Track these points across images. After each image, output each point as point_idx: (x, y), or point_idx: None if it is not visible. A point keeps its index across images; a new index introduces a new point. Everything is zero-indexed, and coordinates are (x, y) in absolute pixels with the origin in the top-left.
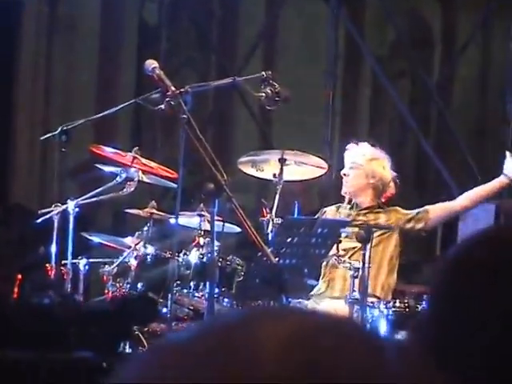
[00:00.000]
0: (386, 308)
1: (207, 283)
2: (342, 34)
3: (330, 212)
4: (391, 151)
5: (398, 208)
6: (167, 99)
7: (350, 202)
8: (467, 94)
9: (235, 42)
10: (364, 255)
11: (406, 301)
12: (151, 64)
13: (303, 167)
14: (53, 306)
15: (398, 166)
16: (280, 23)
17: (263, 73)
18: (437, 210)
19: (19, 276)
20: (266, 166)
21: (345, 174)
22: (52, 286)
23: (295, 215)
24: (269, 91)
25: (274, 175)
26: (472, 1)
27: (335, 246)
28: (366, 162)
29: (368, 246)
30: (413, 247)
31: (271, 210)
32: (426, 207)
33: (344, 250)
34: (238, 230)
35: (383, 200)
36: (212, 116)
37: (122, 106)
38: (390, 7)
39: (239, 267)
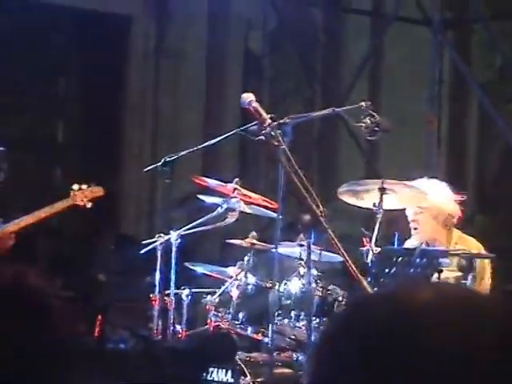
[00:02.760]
0: None
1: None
2: (447, 59)
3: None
4: (499, 178)
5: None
6: (264, 131)
7: None
8: None
9: (339, 69)
10: (465, 285)
11: None
12: (248, 97)
13: (403, 196)
14: (128, 351)
15: (504, 192)
16: (384, 49)
17: (362, 103)
18: None
19: (99, 317)
20: (366, 195)
21: (413, 221)
22: (129, 328)
23: (395, 245)
24: (368, 121)
25: (374, 204)
26: None
27: (436, 275)
28: (429, 203)
29: (470, 276)
30: None
31: (371, 239)
32: None
33: (445, 279)
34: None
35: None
36: (317, 144)
37: (223, 136)
38: (497, 31)
39: (340, 297)
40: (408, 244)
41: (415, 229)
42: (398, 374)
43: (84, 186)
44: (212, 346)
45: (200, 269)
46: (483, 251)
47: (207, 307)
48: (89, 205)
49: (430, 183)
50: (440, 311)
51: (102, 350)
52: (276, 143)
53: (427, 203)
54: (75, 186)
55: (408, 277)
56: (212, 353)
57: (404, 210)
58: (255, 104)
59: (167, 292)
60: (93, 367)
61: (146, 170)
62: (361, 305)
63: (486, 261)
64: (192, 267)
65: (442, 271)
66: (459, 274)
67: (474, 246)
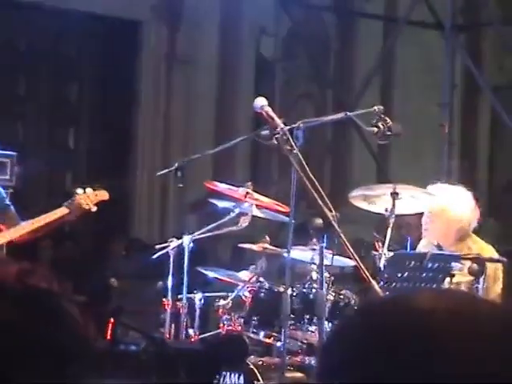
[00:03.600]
0: None
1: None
2: (459, 63)
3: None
4: (511, 182)
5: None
6: (276, 135)
7: None
8: None
9: (351, 74)
10: (477, 289)
11: None
12: (260, 102)
13: (416, 201)
14: (140, 353)
15: None
16: (396, 54)
17: (375, 107)
18: None
19: (111, 319)
20: (377, 200)
21: (425, 225)
22: (140, 331)
23: (407, 249)
24: (380, 126)
25: (386, 209)
26: None
27: (448, 279)
28: (443, 212)
29: (481, 279)
30: None
31: (383, 243)
32: None
33: (457, 283)
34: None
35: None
36: (330, 149)
37: (235, 141)
38: (509, 35)
39: (352, 301)
40: (420, 246)
41: (427, 230)
42: (402, 373)
43: (88, 190)
44: (224, 347)
45: (212, 273)
46: (495, 255)
47: (219, 311)
48: (94, 208)
49: (451, 190)
50: (444, 317)
51: (114, 352)
52: (288, 147)
53: (443, 210)
54: (79, 190)
55: (420, 282)
56: (224, 355)
57: (415, 214)
58: (267, 108)
59: (179, 296)
60: (105, 369)
61: (158, 174)
62: (370, 308)
63: (499, 265)
64: (204, 271)
65: (454, 275)
66: (471, 278)
67: (487, 250)
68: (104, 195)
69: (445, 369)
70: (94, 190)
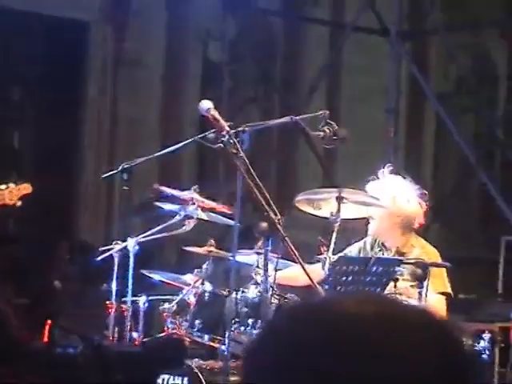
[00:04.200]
0: None
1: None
2: (405, 70)
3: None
4: (455, 187)
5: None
6: (222, 139)
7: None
8: None
9: (298, 78)
10: (420, 293)
11: (463, 340)
12: (206, 105)
13: (361, 205)
14: (76, 355)
15: (462, 201)
16: (343, 59)
17: (321, 112)
18: None
19: (49, 321)
20: (323, 204)
21: (370, 216)
22: (78, 333)
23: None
24: (327, 130)
25: (332, 213)
26: None
27: (392, 284)
28: (388, 202)
29: (425, 284)
30: (474, 284)
31: (328, 247)
32: None
33: (400, 288)
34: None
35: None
36: (276, 153)
37: (181, 144)
38: (454, 43)
39: None
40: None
41: (371, 225)
42: (322, 377)
43: (11, 185)
44: (162, 350)
45: (157, 276)
46: (439, 257)
47: (164, 315)
48: (19, 203)
49: (397, 182)
50: (360, 320)
51: (50, 354)
52: (234, 151)
53: (386, 202)
54: (2, 186)
55: (364, 286)
56: (162, 357)
57: (361, 219)
58: (213, 111)
59: (124, 299)
60: (41, 372)
61: (103, 176)
62: (296, 313)
63: (443, 269)
64: (149, 275)
65: (397, 280)
66: (414, 282)
67: (430, 251)
68: (27, 188)
69: (369, 371)
70: (17, 184)
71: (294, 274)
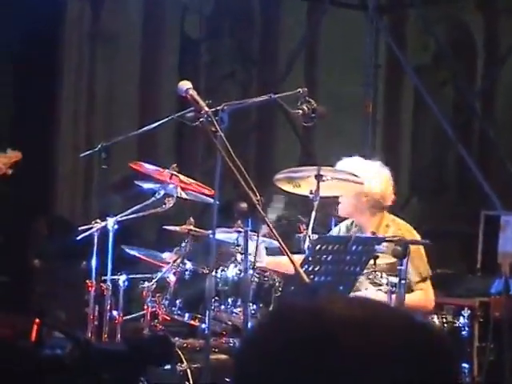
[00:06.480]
0: None
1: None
2: (383, 44)
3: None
4: (434, 162)
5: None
6: (200, 118)
7: None
8: (510, 103)
9: (276, 54)
10: (400, 270)
11: (443, 316)
12: (185, 85)
13: (340, 183)
14: (64, 356)
15: (439, 175)
16: (320, 34)
17: (299, 90)
18: None
19: (37, 320)
20: (302, 183)
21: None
22: (66, 332)
23: (331, 230)
24: (305, 108)
25: (311, 192)
26: None
27: (372, 262)
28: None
29: (404, 261)
30: (453, 259)
31: (308, 226)
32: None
33: (380, 265)
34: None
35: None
36: (254, 131)
37: (159, 122)
38: (431, 16)
39: (277, 283)
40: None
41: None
42: (315, 373)
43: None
44: (148, 349)
45: (136, 253)
46: (416, 235)
47: (144, 293)
48: (9, 171)
49: (363, 163)
50: (349, 322)
51: (37, 355)
52: (213, 130)
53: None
54: None
55: (344, 265)
56: (149, 355)
57: (340, 196)
58: (192, 92)
59: (104, 278)
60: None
61: (81, 155)
62: (283, 317)
63: (422, 249)
64: (128, 251)
65: (377, 257)
66: (394, 260)
67: (406, 230)
68: (16, 155)
69: (357, 377)
70: (6, 153)
71: (284, 261)
